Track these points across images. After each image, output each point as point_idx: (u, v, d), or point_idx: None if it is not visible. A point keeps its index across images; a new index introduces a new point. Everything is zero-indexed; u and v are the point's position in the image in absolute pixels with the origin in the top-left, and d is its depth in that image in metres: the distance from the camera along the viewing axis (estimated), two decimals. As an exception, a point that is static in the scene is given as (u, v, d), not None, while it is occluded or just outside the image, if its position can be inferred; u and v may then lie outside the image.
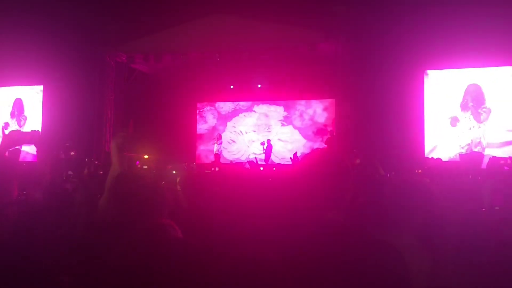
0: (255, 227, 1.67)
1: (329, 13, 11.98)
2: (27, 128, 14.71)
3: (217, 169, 11.07)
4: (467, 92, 11.93)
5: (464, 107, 11.92)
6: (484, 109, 11.71)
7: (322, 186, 1.49)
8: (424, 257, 1.80)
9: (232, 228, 1.87)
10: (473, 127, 11.74)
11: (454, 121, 11.92)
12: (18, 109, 15.16)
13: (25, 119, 15.05)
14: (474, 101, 11.82)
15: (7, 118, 15.20)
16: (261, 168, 9.84)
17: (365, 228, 1.55)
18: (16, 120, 15.13)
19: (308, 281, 1.34)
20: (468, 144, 11.66)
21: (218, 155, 14.80)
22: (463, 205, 2.53)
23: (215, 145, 15.15)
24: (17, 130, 13.72)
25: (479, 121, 11.72)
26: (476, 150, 11.36)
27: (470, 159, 9.77)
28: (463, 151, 11.52)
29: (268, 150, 14.40)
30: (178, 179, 3.19)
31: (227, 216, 2.09)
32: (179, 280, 1.58)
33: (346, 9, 11.83)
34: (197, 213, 2.35)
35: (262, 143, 14.65)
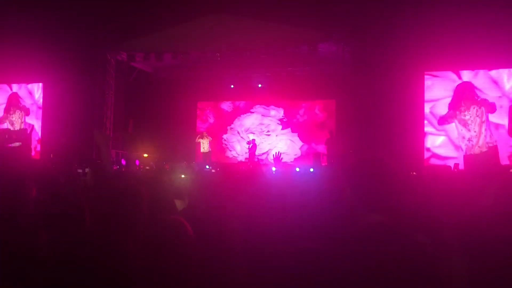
0: (301, 228, 1.68)
1: (330, 13, 11.96)
2: (29, 119, 14.73)
3: (212, 170, 10.83)
4: (468, 89, 11.80)
5: (470, 103, 11.74)
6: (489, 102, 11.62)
7: (368, 189, 1.50)
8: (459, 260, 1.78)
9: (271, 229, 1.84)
10: (486, 120, 11.60)
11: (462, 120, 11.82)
12: (13, 104, 15.07)
13: (27, 111, 14.91)
14: (478, 96, 11.71)
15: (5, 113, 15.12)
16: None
17: (411, 230, 1.54)
18: (20, 113, 14.95)
19: (352, 281, 1.35)
20: (491, 137, 11.51)
21: (207, 154, 14.70)
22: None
23: (205, 144, 14.95)
24: (6, 128, 13.68)
25: (491, 111, 11.57)
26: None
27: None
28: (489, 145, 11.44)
29: (253, 149, 14.47)
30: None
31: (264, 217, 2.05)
32: (189, 275, 1.58)
33: (346, 10, 11.81)
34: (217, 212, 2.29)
35: (248, 142, 14.75)
